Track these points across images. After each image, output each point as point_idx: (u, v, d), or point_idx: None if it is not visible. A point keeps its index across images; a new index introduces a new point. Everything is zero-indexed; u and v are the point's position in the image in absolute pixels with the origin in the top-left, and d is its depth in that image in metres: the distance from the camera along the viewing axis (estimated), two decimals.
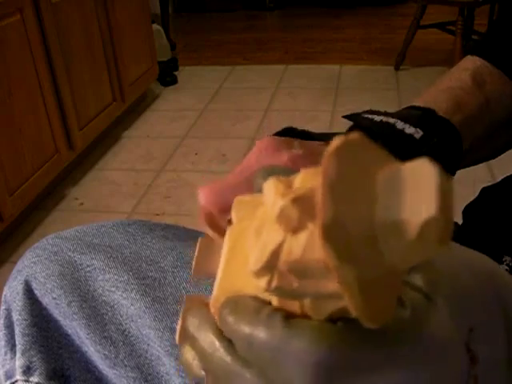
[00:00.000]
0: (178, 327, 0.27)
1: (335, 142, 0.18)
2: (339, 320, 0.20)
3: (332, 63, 3.31)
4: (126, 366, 0.51)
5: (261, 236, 0.20)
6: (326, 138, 0.41)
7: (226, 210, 0.35)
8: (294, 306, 0.21)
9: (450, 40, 2.88)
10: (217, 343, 0.24)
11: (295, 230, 0.19)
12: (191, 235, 0.58)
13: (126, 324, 0.51)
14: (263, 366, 0.21)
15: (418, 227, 0.17)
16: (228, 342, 0.23)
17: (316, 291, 0.19)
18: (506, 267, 0.44)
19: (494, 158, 0.53)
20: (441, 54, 3.16)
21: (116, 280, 0.52)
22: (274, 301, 0.21)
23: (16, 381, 0.54)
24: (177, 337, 0.28)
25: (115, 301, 0.51)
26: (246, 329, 0.21)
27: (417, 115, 0.43)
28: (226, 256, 0.25)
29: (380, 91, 2.85)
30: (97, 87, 2.30)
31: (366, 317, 0.18)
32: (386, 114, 0.42)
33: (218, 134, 2.52)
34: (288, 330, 0.20)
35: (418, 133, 0.40)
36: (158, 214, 1.95)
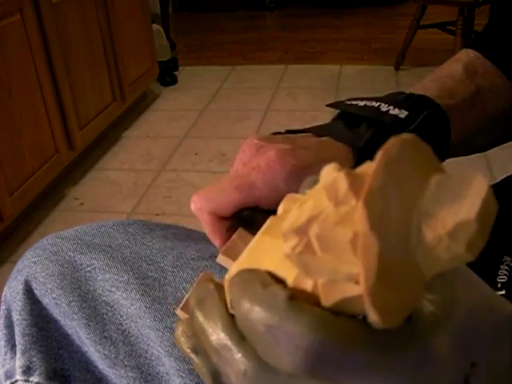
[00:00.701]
0: (184, 300, 0.28)
1: (404, 134, 0.19)
2: (343, 315, 0.20)
3: (332, 63, 3.31)
4: (126, 366, 0.51)
5: (303, 206, 0.21)
6: (309, 130, 0.41)
7: (216, 214, 0.36)
8: (306, 286, 0.21)
9: (449, 40, 2.88)
10: (216, 318, 0.24)
11: (338, 203, 0.19)
12: (191, 235, 0.58)
13: (126, 324, 0.51)
14: (257, 342, 0.21)
15: (452, 224, 0.18)
16: (227, 318, 0.24)
17: (333, 268, 0.19)
18: (506, 267, 0.44)
19: (488, 149, 0.53)
20: (441, 54, 3.16)
21: (116, 280, 0.52)
22: (290, 278, 0.22)
23: (16, 381, 0.54)
24: (178, 308, 0.29)
25: (115, 301, 0.51)
26: (247, 301, 0.21)
27: (400, 98, 0.43)
28: (259, 236, 0.25)
29: (380, 91, 2.82)
30: (97, 87, 2.30)
31: (374, 307, 0.18)
32: (368, 98, 0.43)
33: (218, 134, 2.52)
34: (288, 311, 0.20)
35: (402, 113, 0.40)
36: (157, 214, 1.95)
